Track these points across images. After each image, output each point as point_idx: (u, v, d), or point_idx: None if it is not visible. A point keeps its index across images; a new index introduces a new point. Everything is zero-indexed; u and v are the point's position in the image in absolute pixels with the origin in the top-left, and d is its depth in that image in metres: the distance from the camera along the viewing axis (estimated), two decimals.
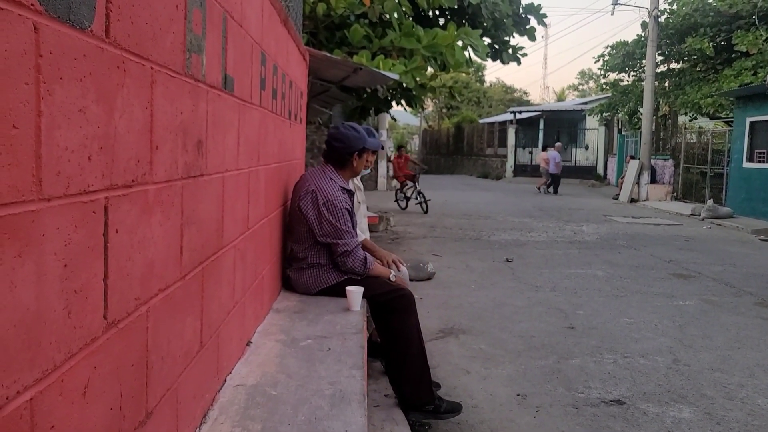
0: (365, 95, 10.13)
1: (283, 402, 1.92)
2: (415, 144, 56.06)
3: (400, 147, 16.89)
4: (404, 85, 8.44)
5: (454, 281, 6.71)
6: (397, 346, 3.18)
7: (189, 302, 1.59)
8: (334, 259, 3.24)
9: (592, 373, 3.94)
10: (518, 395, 3.59)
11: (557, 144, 23.13)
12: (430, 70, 8.97)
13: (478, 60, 9.16)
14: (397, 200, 15.05)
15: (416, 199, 14.10)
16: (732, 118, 15.51)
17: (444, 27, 8.72)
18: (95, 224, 1.03)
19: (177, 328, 1.49)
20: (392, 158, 16.04)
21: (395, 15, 7.98)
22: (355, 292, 3.05)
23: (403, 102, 10.29)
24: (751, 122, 14.07)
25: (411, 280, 6.42)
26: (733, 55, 16.41)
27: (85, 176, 1.00)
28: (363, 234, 3.99)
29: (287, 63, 3.39)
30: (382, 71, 6.91)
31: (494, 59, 10.86)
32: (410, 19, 8.68)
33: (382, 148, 22.14)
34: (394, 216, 11.67)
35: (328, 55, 6.48)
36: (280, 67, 3.06)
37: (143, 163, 1.24)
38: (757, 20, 15.73)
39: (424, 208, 13.63)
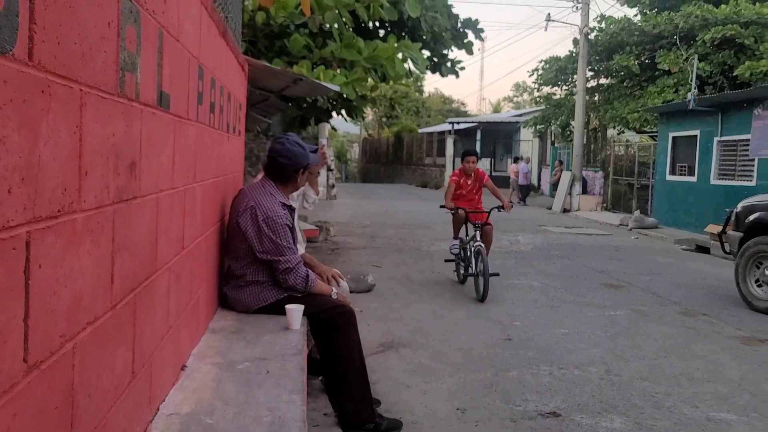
0: (305, 105, 10.06)
1: (220, 431, 1.86)
2: (355, 153, 56.14)
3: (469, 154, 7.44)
4: (345, 95, 8.43)
5: (394, 293, 6.72)
6: (337, 365, 3.15)
7: (120, 332, 1.51)
8: (275, 276, 3.18)
9: (529, 385, 4.00)
10: (458, 409, 3.60)
11: (525, 157, 23.98)
12: (370, 81, 8.99)
13: (418, 72, 9.23)
14: (455, 263, 7.54)
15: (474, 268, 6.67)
16: (657, 132, 16.24)
17: (384, 39, 8.76)
18: (15, 262, 0.96)
19: (107, 361, 1.42)
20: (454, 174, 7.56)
21: (336, 26, 7.97)
22: (295, 311, 3.00)
23: (343, 112, 10.28)
24: (673, 137, 14.77)
25: (351, 292, 6.40)
26: (657, 73, 17.19)
27: (4, 211, 0.93)
28: (300, 246, 3.93)
29: (226, 75, 3.31)
30: (322, 82, 6.87)
31: (433, 72, 11.00)
32: (351, 30, 8.68)
33: (330, 169, 21.81)
34: (334, 226, 11.61)
35: (268, 64, 6.40)
36: (218, 79, 2.98)
37: (71, 191, 1.17)
38: (678, 40, 16.55)
39: (480, 293, 6.43)
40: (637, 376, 4.20)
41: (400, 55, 8.52)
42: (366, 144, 50.70)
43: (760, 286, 6.36)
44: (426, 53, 10.65)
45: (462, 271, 7.17)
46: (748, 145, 12.04)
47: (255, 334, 2.84)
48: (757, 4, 15.96)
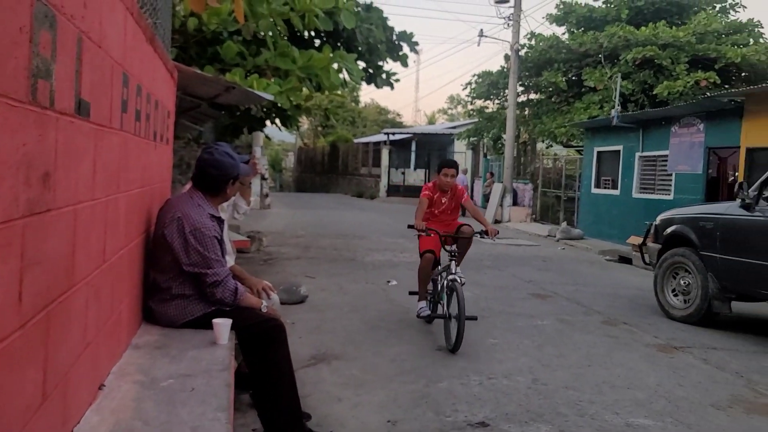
0: (238, 113, 9.91)
1: None
2: (290, 162, 55.64)
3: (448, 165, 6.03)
4: (279, 105, 8.36)
5: (327, 304, 6.68)
6: (266, 379, 3.09)
7: (30, 353, 1.43)
8: (203, 290, 3.10)
9: (459, 395, 4.05)
10: (388, 422, 3.60)
11: (463, 169, 24.29)
12: (305, 90, 8.94)
13: (353, 82, 9.26)
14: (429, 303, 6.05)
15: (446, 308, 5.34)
16: (583, 146, 16.89)
17: (320, 49, 8.75)
18: None
19: (14, 384, 1.34)
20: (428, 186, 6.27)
21: (270, 34, 7.89)
22: (222, 325, 2.93)
23: (277, 121, 10.18)
24: (598, 152, 15.40)
25: (283, 303, 6.31)
26: (583, 90, 17.89)
27: None
28: (229, 258, 3.85)
29: (153, 82, 3.21)
30: (256, 91, 6.79)
31: (368, 83, 11.06)
32: (286, 39, 8.62)
33: (264, 178, 21.40)
34: (267, 236, 11.45)
35: (199, 72, 6.26)
36: (144, 87, 2.89)
37: None
38: (602, 59, 17.30)
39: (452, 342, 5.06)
40: (563, 385, 4.32)
41: (335, 66, 8.52)
42: (301, 153, 50.37)
43: (676, 295, 6.68)
44: (361, 64, 10.70)
45: (427, 311, 5.72)
46: (666, 160, 12.68)
47: (180, 350, 2.76)
48: (674, 27, 16.89)
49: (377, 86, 10.87)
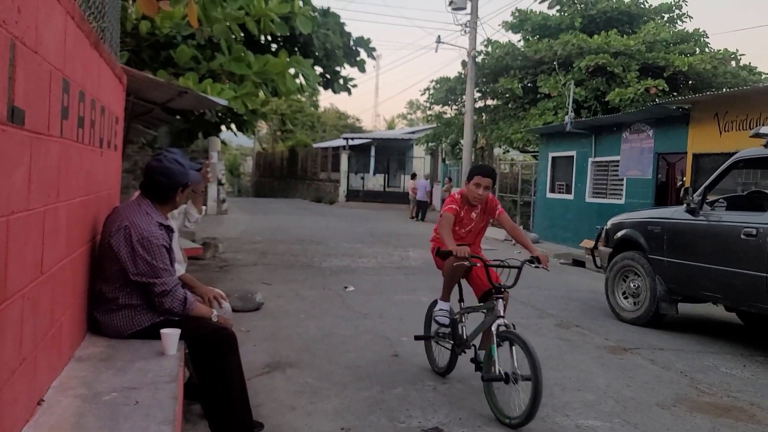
0: (192, 118, 9.77)
1: None
2: (248, 166, 55.08)
3: (484, 173, 4.67)
4: (234, 110, 8.28)
5: (283, 311, 6.63)
6: (217, 390, 3.05)
7: None
8: (151, 300, 3.04)
9: (413, 401, 4.06)
10: (342, 429, 3.59)
11: (425, 173, 24.49)
12: (261, 95, 8.88)
13: (310, 88, 9.24)
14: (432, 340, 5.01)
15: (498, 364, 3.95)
16: (538, 152, 17.20)
17: (276, 54, 8.70)
18: None
19: None
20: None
21: (225, 39, 7.82)
22: (170, 335, 2.87)
23: (233, 126, 10.08)
24: (552, 157, 15.70)
25: (238, 311, 6.25)
26: (538, 96, 18.22)
27: None
28: (180, 266, 3.79)
29: (98, 88, 3.14)
30: (209, 96, 6.71)
31: (326, 88, 11.07)
32: (241, 44, 8.55)
33: (221, 183, 21.09)
34: (223, 242, 11.30)
35: (151, 76, 6.16)
36: (89, 92, 2.83)
37: None
38: (557, 66, 17.65)
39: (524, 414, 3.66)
40: None
41: (292, 71, 8.50)
42: (260, 158, 49.93)
43: (626, 298, 6.85)
44: (318, 69, 10.70)
45: (443, 362, 4.56)
46: (618, 165, 13.00)
47: (126, 362, 2.70)
48: (625, 36, 17.35)
49: (335, 91, 10.88)
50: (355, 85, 11.09)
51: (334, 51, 10.39)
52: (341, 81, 10.88)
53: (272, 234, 14.69)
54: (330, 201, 30.48)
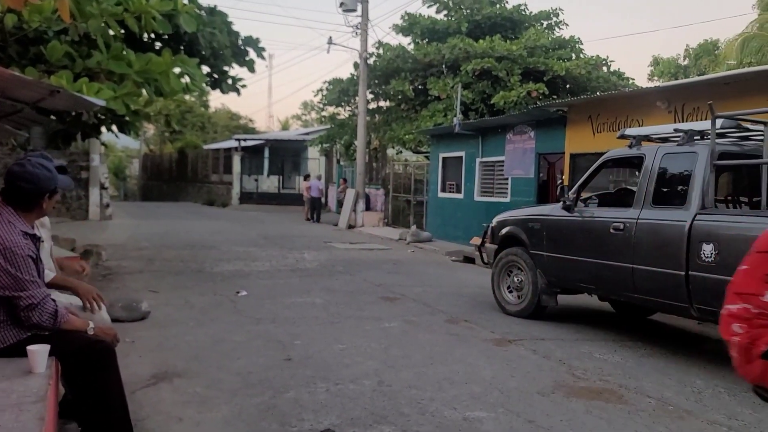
0: (68, 119, 9.18)
1: None
2: (134, 169, 52.51)
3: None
4: (115, 110, 7.87)
5: (171, 319, 6.39)
6: (94, 407, 2.90)
7: None
8: (17, 314, 2.84)
9: (305, 404, 4.05)
10: None
11: (318, 174, 24.37)
12: (145, 95, 8.50)
13: (197, 88, 8.94)
14: None
15: None
16: (429, 152, 17.65)
17: (159, 52, 8.35)
18: None
19: None
20: None
21: (102, 36, 7.40)
22: (37, 352, 2.69)
23: (114, 128, 9.57)
24: (443, 157, 16.18)
25: (122, 321, 5.97)
26: (429, 98, 18.70)
27: None
28: (51, 274, 3.54)
29: None
30: (85, 96, 6.33)
31: (214, 88, 10.76)
32: (121, 41, 8.13)
33: (104, 187, 19.91)
34: (106, 249, 10.72)
35: (17, 74, 5.73)
36: None
37: None
38: (445, 69, 18.21)
39: None
40: (406, 385, 4.48)
41: (177, 70, 8.19)
42: (147, 160, 47.77)
43: (511, 292, 7.18)
44: (205, 69, 10.38)
45: None
46: (503, 165, 13.60)
47: None
48: (508, 41, 18.18)
49: (223, 91, 10.61)
50: (244, 86, 10.86)
51: (221, 50, 10.11)
52: (230, 81, 10.60)
53: (160, 239, 14.11)
54: (222, 204, 29.70)
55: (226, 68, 10.65)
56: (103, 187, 19.52)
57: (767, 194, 4.82)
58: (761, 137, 5.15)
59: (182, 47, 9.89)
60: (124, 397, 2.99)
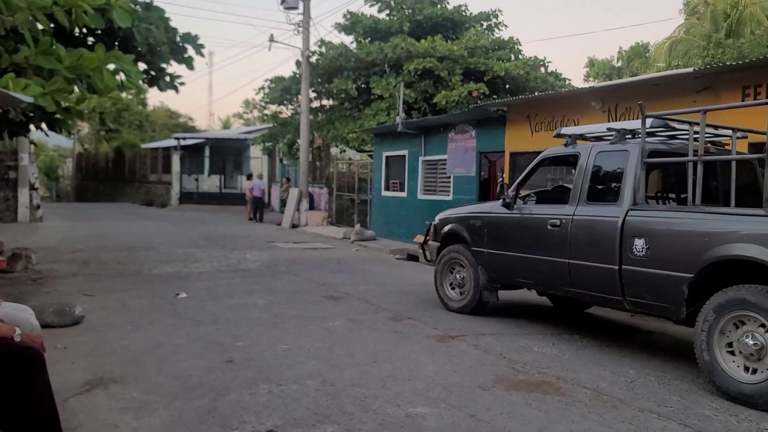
0: None
1: None
2: (68, 168, 50.56)
3: None
4: (45, 107, 7.55)
5: (107, 324, 6.19)
6: (22, 416, 2.78)
7: None
8: None
9: (247, 406, 4.00)
10: None
11: (258, 173, 24.07)
12: (77, 92, 8.19)
13: (132, 85, 8.67)
14: None
15: None
16: (373, 151, 17.70)
17: (92, 48, 8.06)
18: None
19: None
20: None
21: (28, 29, 7.09)
22: None
23: (44, 126, 9.18)
24: (386, 156, 16.25)
25: (53, 326, 5.75)
26: (372, 97, 18.73)
27: None
28: None
29: None
30: (10, 92, 6.05)
31: (151, 86, 10.46)
32: (52, 36, 7.81)
33: (34, 188, 19.10)
34: (36, 252, 10.28)
35: None
36: None
37: None
38: (388, 68, 18.28)
39: None
40: (350, 383, 4.48)
41: (111, 66, 7.93)
42: (81, 159, 46.09)
43: (453, 288, 7.27)
44: (142, 66, 10.09)
45: None
46: (445, 164, 13.77)
47: None
48: (449, 41, 18.40)
49: (161, 89, 10.32)
50: (183, 83, 10.59)
51: (158, 47, 9.84)
52: (168, 78, 10.32)
53: (96, 241, 13.64)
54: (162, 204, 28.95)
55: (163, 65, 10.37)
56: (33, 188, 18.71)
57: (693, 191, 5.04)
58: (687, 136, 5.38)
59: (117, 43, 9.59)
60: (54, 405, 2.88)
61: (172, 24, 10.40)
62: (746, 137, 6.06)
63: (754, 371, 4.29)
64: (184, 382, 4.47)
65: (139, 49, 9.68)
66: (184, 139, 30.84)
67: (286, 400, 4.13)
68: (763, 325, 4.23)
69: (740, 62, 7.90)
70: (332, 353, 5.27)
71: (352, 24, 20.13)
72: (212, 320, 6.41)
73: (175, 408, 3.96)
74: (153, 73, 10.28)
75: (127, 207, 28.98)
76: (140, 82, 9.29)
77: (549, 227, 5.94)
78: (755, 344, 4.25)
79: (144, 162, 34.86)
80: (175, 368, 4.78)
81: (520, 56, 19.59)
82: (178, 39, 10.60)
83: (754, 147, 6.80)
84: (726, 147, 6.00)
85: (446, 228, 7.47)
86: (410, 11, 19.96)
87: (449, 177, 13.61)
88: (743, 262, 4.38)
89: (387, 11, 20.41)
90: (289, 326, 6.23)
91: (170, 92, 10.70)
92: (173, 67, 10.56)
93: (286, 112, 22.90)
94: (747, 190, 5.79)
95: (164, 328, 6.05)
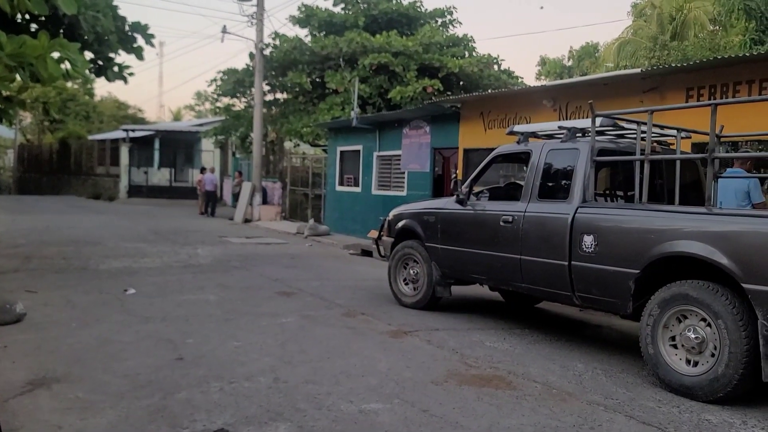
0: None
1: None
2: (9, 160, 48.63)
3: None
4: None
5: (51, 321, 5.98)
6: None
7: None
8: None
9: (198, 404, 3.93)
10: None
11: (210, 167, 23.66)
12: (19, 80, 7.87)
13: (78, 74, 8.37)
14: None
15: None
16: (327, 146, 17.62)
17: (35, 35, 7.75)
18: None
19: None
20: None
21: None
22: None
23: None
24: (341, 151, 16.20)
25: None
26: (327, 91, 18.66)
27: None
28: None
29: None
30: None
31: (98, 75, 10.16)
32: None
33: None
34: None
35: None
36: None
37: None
38: (342, 63, 18.21)
39: None
40: (303, 380, 4.45)
41: (55, 55, 7.64)
42: (24, 151, 44.41)
43: (407, 284, 7.31)
44: (89, 55, 9.78)
45: None
46: (400, 159, 13.81)
47: None
48: (404, 37, 18.45)
49: (108, 79, 10.03)
50: (131, 74, 10.30)
51: (106, 36, 9.54)
52: (116, 68, 10.02)
53: (39, 236, 13.17)
54: (110, 198, 28.18)
55: (111, 55, 10.08)
56: None
57: (640, 188, 5.18)
58: (635, 135, 5.53)
59: (62, 31, 9.27)
60: None
61: (121, 12, 10.11)
62: (690, 137, 6.27)
63: (696, 364, 4.45)
64: (132, 380, 4.35)
65: (86, 37, 9.38)
66: (133, 131, 30.05)
67: (238, 397, 4.07)
68: (704, 320, 4.39)
69: (684, 64, 8.16)
70: (285, 350, 5.23)
71: (307, 17, 19.98)
72: (162, 317, 6.27)
73: (122, 408, 3.86)
74: (100, 62, 9.99)
75: (73, 200, 28.09)
76: (87, 71, 9.02)
77: (501, 223, 6.02)
78: (696, 338, 4.41)
79: (91, 154, 33.86)
80: (122, 366, 4.65)
81: (474, 54, 19.82)
82: (127, 28, 10.31)
83: (698, 147, 7.05)
84: (671, 147, 6.19)
85: (400, 224, 7.49)
86: (365, 6, 19.94)
87: (404, 172, 13.66)
88: (686, 258, 4.53)
89: (342, 5, 20.33)
90: (242, 323, 6.14)
91: (119, 82, 10.40)
92: (122, 57, 10.33)
93: (239, 104, 22.59)
94: (691, 188, 6.01)
95: (111, 325, 5.89)
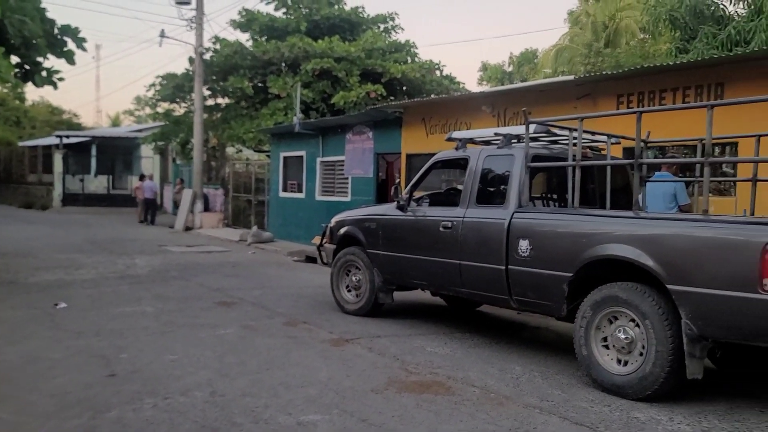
0: None
1: None
2: None
3: None
4: None
5: None
6: None
7: None
8: None
9: (129, 423, 3.81)
10: None
11: (149, 174, 23.04)
12: None
13: (2, 80, 8.04)
14: None
15: None
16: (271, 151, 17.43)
17: None
18: None
19: None
20: None
21: None
22: None
23: None
24: (284, 157, 16.06)
25: None
26: (269, 96, 18.45)
27: None
28: None
29: None
30: None
31: (25, 81, 9.80)
32: None
33: None
34: None
35: None
36: None
37: None
38: (285, 68, 18.07)
39: None
40: (240, 393, 4.37)
41: None
42: None
43: (349, 291, 7.29)
44: (15, 60, 9.41)
45: None
46: (343, 165, 13.78)
47: None
48: (346, 42, 18.45)
49: (36, 85, 9.68)
50: (61, 78, 9.99)
51: (33, 39, 9.20)
52: (44, 73, 9.70)
53: None
54: (42, 206, 27.07)
55: (39, 59, 9.73)
56: None
57: (572, 193, 5.32)
58: (567, 141, 5.68)
59: None
60: None
61: (50, 15, 9.78)
62: (620, 143, 6.49)
63: (625, 363, 4.59)
64: (61, 399, 4.19)
65: (12, 41, 9.02)
66: (67, 137, 29.00)
67: (172, 414, 3.97)
68: (633, 320, 4.54)
69: (615, 72, 8.44)
70: (223, 362, 5.12)
71: (248, 21, 19.74)
72: (95, 331, 6.05)
73: (49, 429, 3.71)
74: (27, 67, 9.62)
75: (3, 210, 26.86)
76: (12, 76, 8.67)
77: (441, 229, 6.08)
78: (626, 338, 4.56)
79: (22, 161, 32.52)
80: (50, 385, 4.47)
81: (417, 59, 19.97)
82: (56, 31, 9.98)
83: (628, 152, 7.30)
84: (603, 152, 6.38)
85: (342, 230, 7.46)
86: (307, 11, 19.85)
87: (347, 178, 13.64)
88: (615, 261, 4.68)
89: (284, 10, 20.18)
90: (179, 335, 5.99)
91: (51, 87, 10.03)
92: (52, 61, 9.95)
93: (179, 110, 22.09)
94: (622, 192, 6.20)
95: (40, 342, 5.65)
